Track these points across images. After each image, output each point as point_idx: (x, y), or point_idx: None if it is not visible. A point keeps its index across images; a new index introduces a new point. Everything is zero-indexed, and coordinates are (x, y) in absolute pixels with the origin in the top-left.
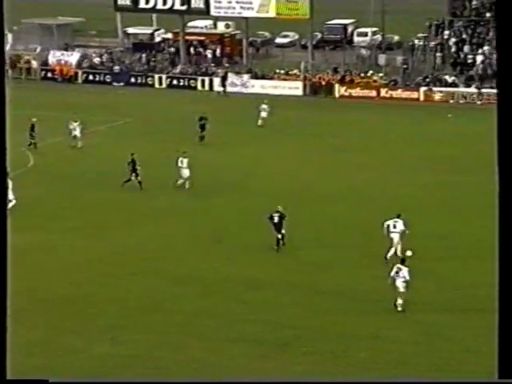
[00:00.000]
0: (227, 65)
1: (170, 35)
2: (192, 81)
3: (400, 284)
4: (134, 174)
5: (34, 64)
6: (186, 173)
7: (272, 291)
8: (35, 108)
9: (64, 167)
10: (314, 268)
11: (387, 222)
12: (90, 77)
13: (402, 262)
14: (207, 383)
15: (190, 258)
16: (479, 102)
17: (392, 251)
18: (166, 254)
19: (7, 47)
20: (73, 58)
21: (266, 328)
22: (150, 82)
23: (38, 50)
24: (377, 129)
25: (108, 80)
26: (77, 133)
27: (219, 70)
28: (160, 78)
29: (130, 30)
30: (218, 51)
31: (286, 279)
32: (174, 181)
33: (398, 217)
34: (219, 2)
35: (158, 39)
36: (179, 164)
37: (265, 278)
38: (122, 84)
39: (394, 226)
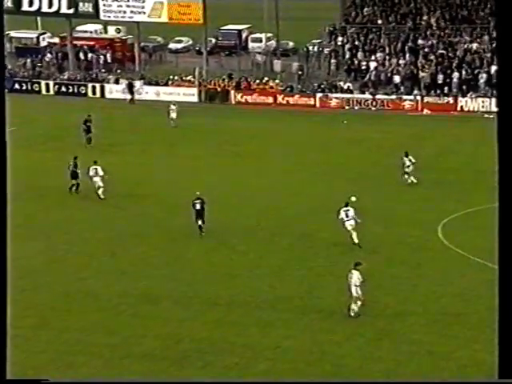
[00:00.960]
0: (119, 71)
1: (56, 39)
2: (82, 87)
3: (353, 289)
4: None
5: None
6: (98, 181)
7: (169, 304)
8: None
9: None
10: (211, 279)
11: (340, 213)
12: None
13: (356, 265)
14: (207, 383)
15: (81, 271)
16: (373, 108)
17: (354, 236)
18: (56, 268)
19: None
20: None
21: (165, 343)
22: (37, 89)
23: None
24: (274, 135)
25: None
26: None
27: (110, 76)
28: (47, 85)
29: (13, 34)
30: (109, 56)
31: (182, 292)
32: (95, 191)
33: (347, 205)
34: (109, 6)
35: (43, 43)
36: (91, 173)
37: (160, 292)
38: (5, 91)
39: (347, 215)
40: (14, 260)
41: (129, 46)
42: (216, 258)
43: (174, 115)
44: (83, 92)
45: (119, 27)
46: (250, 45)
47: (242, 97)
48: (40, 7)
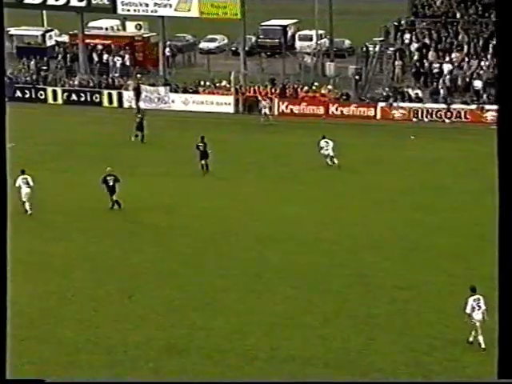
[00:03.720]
0: (139, 75)
1: (65, 38)
2: (95, 95)
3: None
4: None
5: None
6: (27, 192)
7: (197, 358)
8: None
9: None
10: (250, 329)
11: (468, 304)
12: None
13: (472, 290)
14: (207, 383)
15: (92, 317)
16: (448, 120)
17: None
18: (62, 313)
19: None
20: None
21: None
22: (42, 97)
23: None
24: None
25: None
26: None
27: (129, 82)
28: (54, 92)
29: (14, 31)
30: (128, 58)
31: (214, 344)
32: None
33: (474, 291)
34: None
35: (50, 43)
36: (19, 183)
37: (187, 343)
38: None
39: (478, 306)
40: (13, 304)
41: (151, 46)
42: (256, 304)
43: (328, 151)
44: (97, 101)
45: (140, 23)
46: (298, 44)
47: (286, 107)
48: None
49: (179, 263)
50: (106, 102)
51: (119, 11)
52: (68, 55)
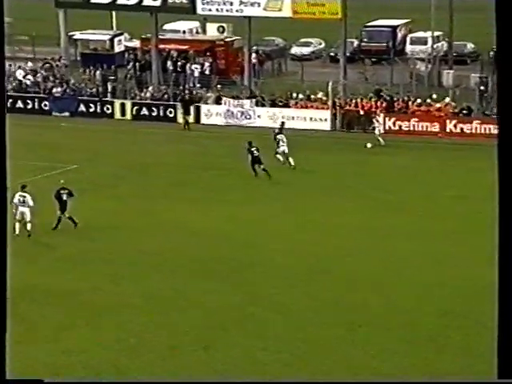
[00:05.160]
0: (220, 86)
1: (136, 43)
2: (170, 109)
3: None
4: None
5: None
6: (26, 212)
7: None
8: None
9: None
10: None
11: None
12: (19, 103)
13: None
14: (207, 383)
15: (158, 365)
16: None
17: None
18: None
19: None
20: None
21: None
22: (108, 111)
23: None
24: (441, 179)
25: (45, 108)
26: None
27: (209, 94)
28: (122, 106)
29: (79, 36)
30: (208, 66)
31: None
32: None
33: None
34: None
35: (119, 48)
36: (16, 201)
37: None
38: (65, 114)
39: None
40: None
41: (235, 52)
42: (357, 359)
43: (283, 148)
44: (171, 116)
45: (223, 25)
46: (409, 48)
47: (394, 123)
48: None
49: (262, 307)
50: (180, 118)
51: (199, 11)
52: (139, 63)
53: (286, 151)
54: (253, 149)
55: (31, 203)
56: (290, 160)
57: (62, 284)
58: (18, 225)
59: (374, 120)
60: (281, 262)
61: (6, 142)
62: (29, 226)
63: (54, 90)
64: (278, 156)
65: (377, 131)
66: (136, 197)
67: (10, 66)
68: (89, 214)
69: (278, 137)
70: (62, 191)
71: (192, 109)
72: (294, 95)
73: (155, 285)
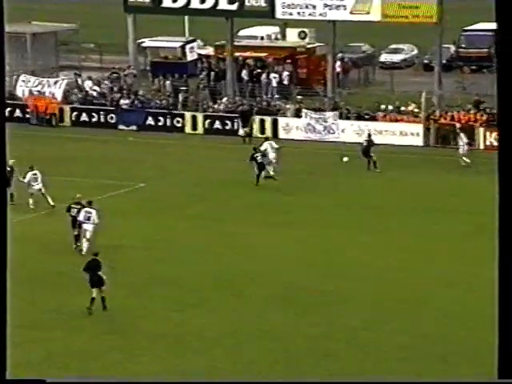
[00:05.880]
0: (300, 97)
1: (210, 50)
2: (245, 123)
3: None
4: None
5: None
6: (89, 229)
7: None
8: None
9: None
10: None
11: None
12: (83, 116)
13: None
14: (207, 383)
15: None
16: None
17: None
18: None
19: None
20: (57, 86)
21: None
22: (179, 125)
23: None
24: None
25: (112, 121)
26: (38, 186)
27: (288, 106)
28: (194, 119)
29: (148, 43)
30: (286, 75)
31: None
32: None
33: None
34: None
35: (191, 56)
36: (81, 217)
37: None
38: (133, 127)
39: None
40: None
41: (318, 59)
42: None
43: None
44: (246, 129)
45: (305, 30)
46: None
47: (496, 138)
48: (188, 2)
49: (344, 342)
50: (256, 131)
51: (278, 15)
52: (212, 72)
53: (273, 160)
54: (257, 155)
55: (96, 220)
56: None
57: (122, 308)
58: (85, 244)
59: (458, 137)
60: (366, 292)
61: (6, 143)
62: (85, 245)
63: (122, 102)
64: (268, 168)
65: (461, 150)
66: (207, 218)
67: (78, 75)
68: (156, 235)
69: (264, 145)
70: (74, 206)
71: (257, 120)
72: (383, 107)
73: (226, 312)
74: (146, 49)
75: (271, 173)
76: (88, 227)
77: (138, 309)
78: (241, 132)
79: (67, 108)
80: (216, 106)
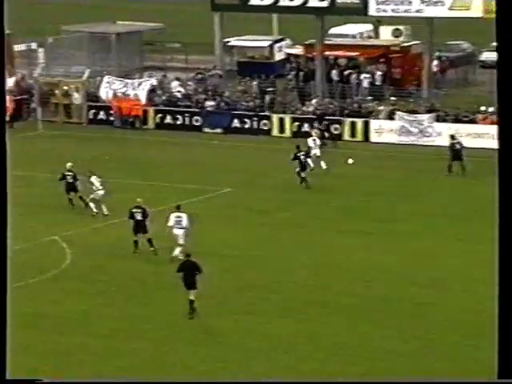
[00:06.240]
0: (393, 98)
1: (299, 49)
2: (335, 125)
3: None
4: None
5: (78, 98)
6: (180, 235)
7: None
8: (78, 172)
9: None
10: None
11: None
12: (168, 118)
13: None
14: (207, 383)
15: None
16: None
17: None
18: None
19: (37, 70)
20: (141, 88)
21: None
22: (265, 127)
23: (86, 74)
24: None
25: (196, 123)
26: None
27: (380, 108)
28: (281, 121)
29: (235, 42)
30: (379, 75)
31: None
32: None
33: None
34: None
35: (279, 56)
36: (171, 223)
37: None
38: (218, 130)
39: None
40: None
41: (413, 58)
42: None
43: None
44: (337, 132)
45: (400, 27)
46: None
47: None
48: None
49: (445, 358)
50: (347, 135)
51: (372, 12)
52: (301, 72)
53: (318, 154)
54: (300, 154)
55: (187, 224)
56: (322, 164)
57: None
58: (178, 249)
59: None
60: (469, 306)
61: (6, 145)
62: (177, 251)
63: (207, 104)
64: (308, 162)
65: None
66: (295, 225)
67: (164, 76)
68: (241, 242)
69: (309, 141)
70: (134, 210)
71: (347, 123)
72: (483, 109)
73: (315, 326)
74: (233, 48)
75: (311, 165)
76: (179, 232)
77: (223, 319)
78: (313, 134)
79: (151, 110)
80: (304, 108)
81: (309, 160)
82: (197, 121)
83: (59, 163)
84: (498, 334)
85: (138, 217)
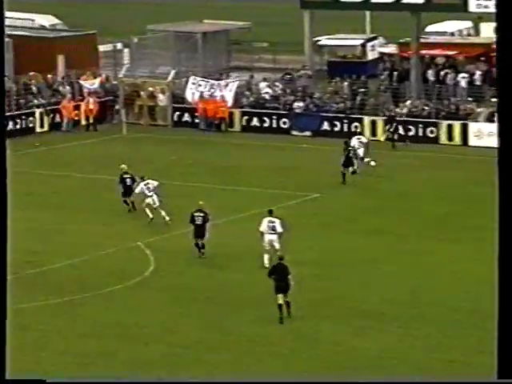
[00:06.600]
0: (494, 99)
1: (393, 48)
2: (431, 128)
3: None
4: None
5: (163, 99)
6: (274, 239)
7: None
8: (160, 176)
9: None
10: None
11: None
12: (254, 121)
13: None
14: (207, 383)
15: None
16: None
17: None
18: None
19: (122, 71)
20: (228, 89)
21: None
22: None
23: (171, 75)
24: None
25: (284, 126)
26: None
27: (480, 109)
28: (373, 124)
29: (325, 41)
30: (479, 75)
31: None
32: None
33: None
34: None
35: (372, 55)
36: (264, 227)
37: None
38: (307, 133)
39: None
40: None
41: None
42: None
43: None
44: (432, 136)
45: None
46: None
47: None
48: None
49: None
50: (443, 138)
51: (472, 8)
52: (395, 72)
53: (362, 155)
54: (350, 149)
55: (280, 229)
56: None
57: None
58: (266, 256)
59: None
60: None
61: (5, 147)
62: (266, 259)
63: (295, 105)
64: (353, 162)
65: None
66: (385, 232)
67: (252, 77)
68: (329, 250)
69: (353, 141)
70: (196, 214)
71: (444, 126)
72: None
73: (396, 340)
74: (323, 47)
75: (356, 168)
76: (272, 237)
77: (309, 331)
78: (383, 137)
79: (237, 112)
80: (398, 110)
81: (360, 152)
82: (285, 123)
83: (142, 166)
84: (497, 334)
85: (199, 221)
